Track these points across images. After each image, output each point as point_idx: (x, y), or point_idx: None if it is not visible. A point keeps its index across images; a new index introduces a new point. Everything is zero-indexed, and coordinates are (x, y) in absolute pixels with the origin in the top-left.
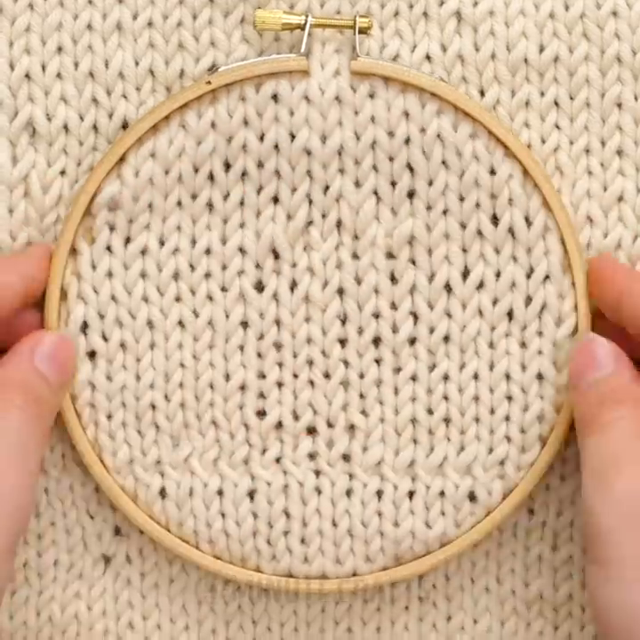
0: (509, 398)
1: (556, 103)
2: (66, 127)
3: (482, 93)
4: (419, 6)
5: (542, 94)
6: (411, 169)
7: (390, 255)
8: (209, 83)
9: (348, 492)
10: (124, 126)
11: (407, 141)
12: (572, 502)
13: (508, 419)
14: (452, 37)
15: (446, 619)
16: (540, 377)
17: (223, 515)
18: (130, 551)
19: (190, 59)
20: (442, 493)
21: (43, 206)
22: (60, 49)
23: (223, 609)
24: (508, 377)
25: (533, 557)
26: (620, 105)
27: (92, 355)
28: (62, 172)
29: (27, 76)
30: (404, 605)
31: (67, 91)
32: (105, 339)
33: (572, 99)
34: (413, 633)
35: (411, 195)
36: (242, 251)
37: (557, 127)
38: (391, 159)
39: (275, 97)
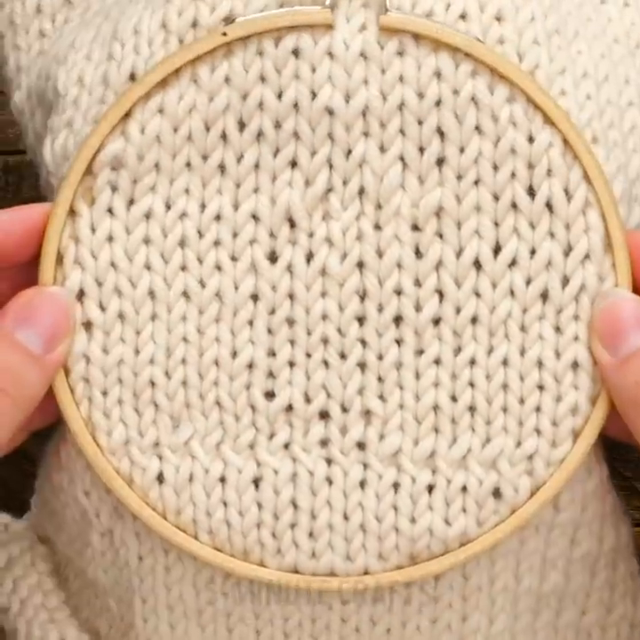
0: (541, 387)
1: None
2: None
3: (520, 57)
4: None
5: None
6: (441, 134)
7: (415, 227)
8: (224, 34)
9: (362, 484)
10: (132, 78)
11: (438, 103)
12: (596, 496)
13: (538, 409)
14: None
15: (462, 619)
16: (575, 365)
17: (225, 503)
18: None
19: (205, 7)
20: (464, 488)
21: None
22: None
23: (223, 601)
24: (540, 364)
25: (553, 553)
26: None
27: (87, 326)
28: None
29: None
30: (417, 606)
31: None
32: (102, 308)
33: None
34: (425, 635)
35: (440, 162)
36: (255, 217)
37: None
38: (420, 122)
39: (295, 52)
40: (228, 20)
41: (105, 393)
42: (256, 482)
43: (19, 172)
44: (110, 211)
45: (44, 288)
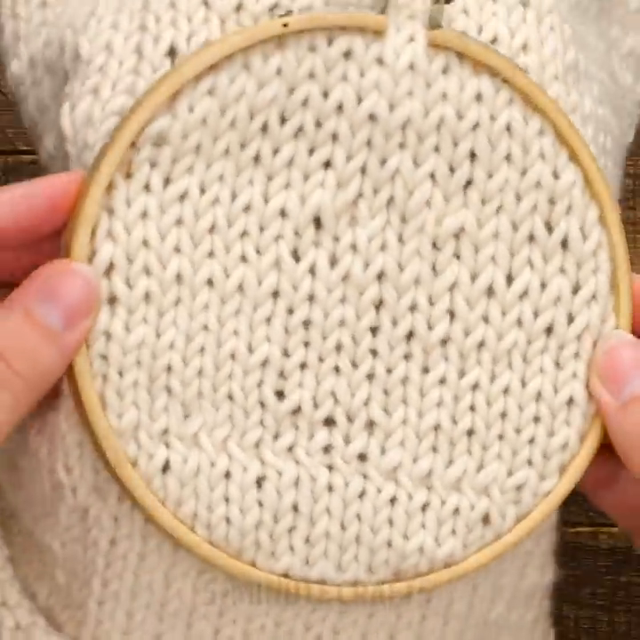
0: (537, 420)
1: None
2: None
3: None
4: None
5: None
6: (473, 157)
7: (434, 245)
8: (285, 25)
9: (361, 495)
10: (171, 54)
11: (475, 127)
12: (551, 529)
13: (532, 441)
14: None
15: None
16: (570, 402)
17: (227, 500)
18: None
19: None
20: (456, 511)
21: None
22: None
23: (191, 596)
24: (539, 397)
25: (504, 582)
26: None
27: (111, 301)
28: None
29: None
30: (381, 619)
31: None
32: (129, 286)
33: None
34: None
35: (467, 185)
36: (283, 214)
37: None
38: (455, 143)
39: (346, 54)
40: (273, 9)
41: (121, 373)
42: (259, 481)
43: (19, 172)
44: (147, 187)
45: (69, 263)
